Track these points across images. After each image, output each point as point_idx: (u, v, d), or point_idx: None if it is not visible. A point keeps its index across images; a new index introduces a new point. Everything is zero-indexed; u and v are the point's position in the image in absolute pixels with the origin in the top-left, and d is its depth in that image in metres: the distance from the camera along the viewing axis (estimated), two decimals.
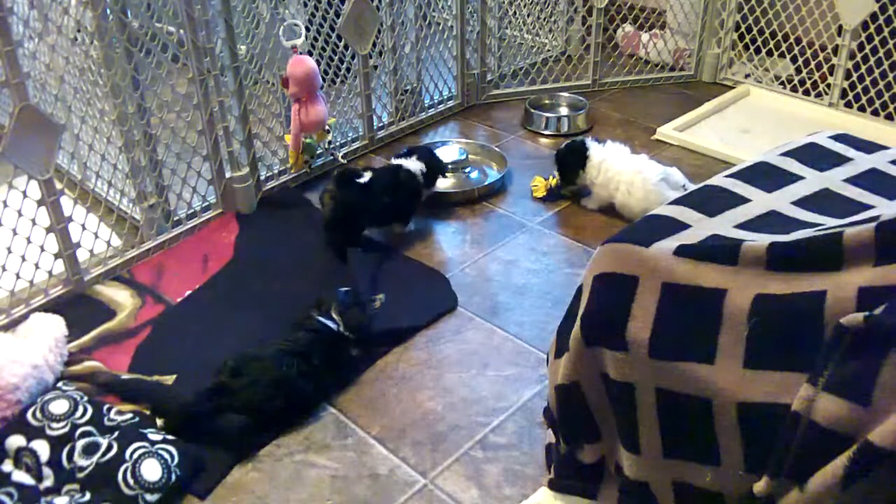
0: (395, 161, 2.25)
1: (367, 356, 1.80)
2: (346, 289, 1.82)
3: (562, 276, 2.05)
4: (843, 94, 2.72)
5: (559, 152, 2.34)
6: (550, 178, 2.37)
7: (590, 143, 2.30)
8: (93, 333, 1.87)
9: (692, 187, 1.45)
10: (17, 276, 1.87)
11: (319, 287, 1.89)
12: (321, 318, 1.74)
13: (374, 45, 2.52)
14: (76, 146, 2.10)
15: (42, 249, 1.90)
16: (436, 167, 2.27)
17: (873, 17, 2.55)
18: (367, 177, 2.10)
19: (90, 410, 1.55)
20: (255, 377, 1.60)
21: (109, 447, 1.48)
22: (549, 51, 3.23)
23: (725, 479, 1.13)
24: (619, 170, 2.21)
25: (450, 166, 2.46)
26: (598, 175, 2.25)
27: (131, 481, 1.43)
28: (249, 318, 1.89)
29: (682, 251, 1.18)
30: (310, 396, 1.67)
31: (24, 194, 1.83)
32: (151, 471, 1.45)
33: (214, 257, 2.14)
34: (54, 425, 1.51)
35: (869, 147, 1.47)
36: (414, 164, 2.20)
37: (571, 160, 2.30)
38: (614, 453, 1.31)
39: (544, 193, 2.36)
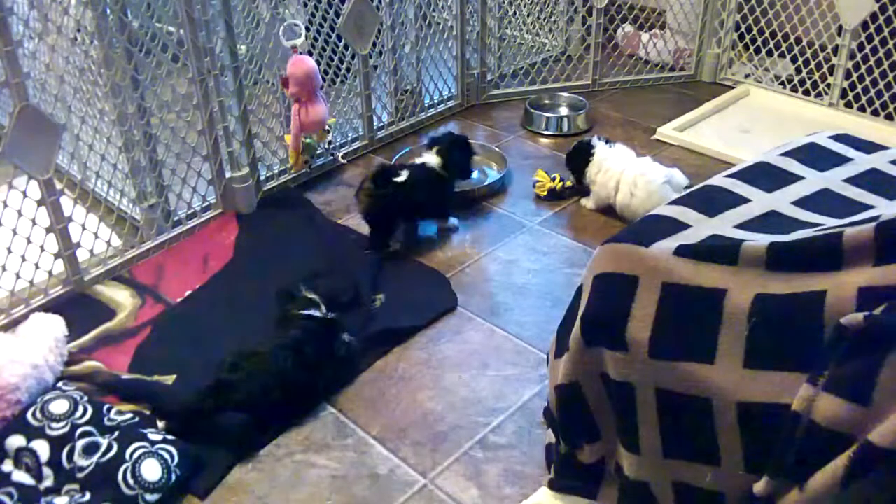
0: (419, 158, 2.25)
1: (361, 343, 1.80)
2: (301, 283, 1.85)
3: (562, 276, 2.05)
4: (843, 94, 2.71)
5: (568, 155, 2.36)
6: (557, 178, 2.37)
7: (596, 142, 2.30)
8: (93, 333, 1.87)
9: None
10: (17, 276, 1.87)
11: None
12: (303, 312, 1.74)
13: (374, 45, 2.52)
14: (76, 146, 2.10)
15: (42, 249, 1.90)
16: (455, 161, 2.23)
17: (873, 17, 2.55)
18: (404, 175, 2.11)
19: (90, 410, 1.55)
20: (253, 371, 1.60)
21: (109, 447, 1.48)
22: (549, 51, 3.23)
23: (725, 479, 1.13)
24: (620, 170, 2.21)
25: None
26: (597, 173, 2.25)
27: (131, 481, 1.43)
28: (249, 318, 1.89)
29: (682, 251, 1.18)
30: (308, 388, 1.67)
31: (24, 194, 1.83)
32: (151, 471, 1.45)
33: (214, 257, 2.14)
34: (54, 425, 1.51)
35: (869, 147, 1.47)
36: (432, 159, 2.20)
37: (576, 160, 2.30)
38: (614, 453, 1.31)
39: (545, 193, 2.36)
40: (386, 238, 2.15)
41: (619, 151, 2.27)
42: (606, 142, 2.31)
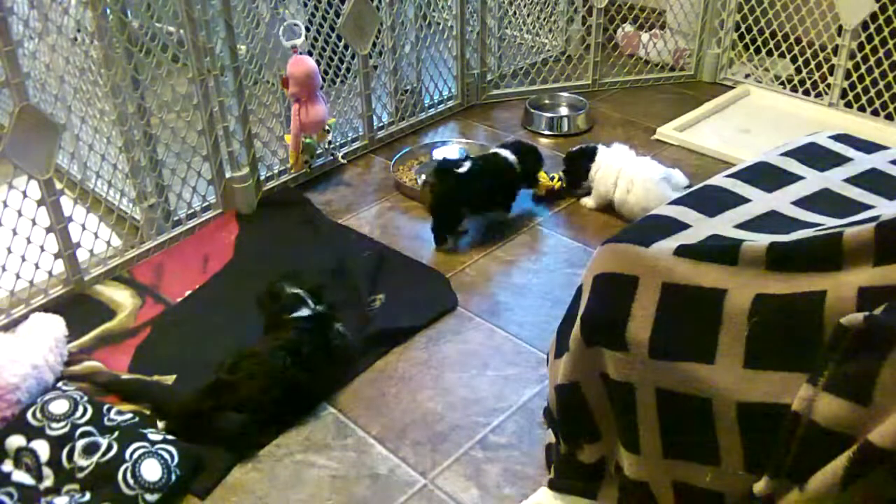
0: (491, 150, 2.30)
1: (361, 343, 1.80)
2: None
3: (562, 276, 2.05)
4: (843, 94, 2.71)
5: (569, 155, 2.35)
6: (556, 177, 2.37)
7: (601, 147, 2.32)
8: (93, 333, 1.87)
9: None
10: (17, 276, 1.87)
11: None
12: (294, 315, 1.72)
13: (374, 45, 2.52)
14: (76, 146, 2.10)
15: (42, 249, 1.90)
16: (529, 163, 2.28)
17: (873, 17, 2.55)
18: (465, 166, 2.15)
19: (90, 410, 1.55)
20: (252, 371, 1.60)
21: (109, 447, 1.48)
22: (549, 51, 3.23)
23: (725, 479, 1.13)
24: (619, 167, 2.23)
25: None
26: (597, 171, 2.26)
27: (131, 481, 1.43)
28: (249, 318, 1.88)
29: (682, 251, 1.18)
30: (308, 386, 1.67)
31: (24, 194, 1.83)
32: (151, 471, 1.45)
33: (214, 257, 2.14)
34: (54, 425, 1.51)
35: (869, 147, 1.47)
36: (508, 154, 2.24)
37: (580, 162, 2.31)
38: (614, 453, 1.31)
39: (543, 192, 2.36)
40: (452, 230, 2.18)
41: (619, 150, 2.29)
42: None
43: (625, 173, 2.21)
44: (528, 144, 2.35)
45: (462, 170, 2.14)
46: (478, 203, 2.19)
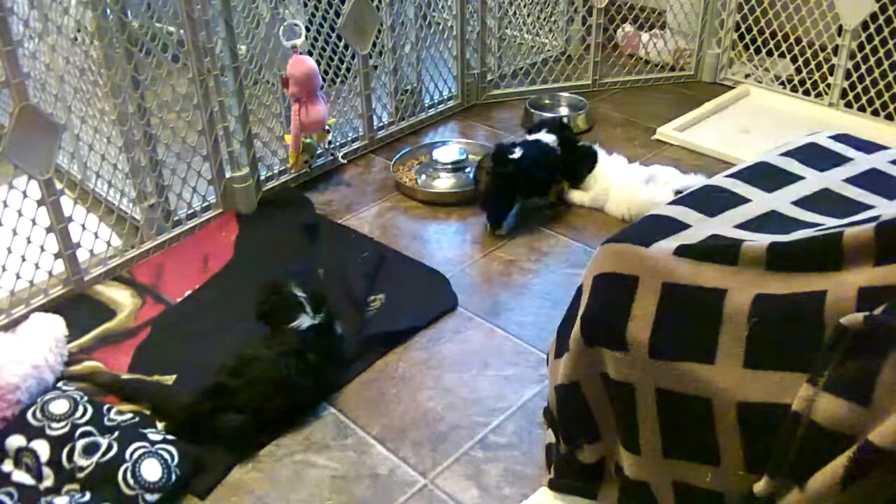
0: (530, 137, 2.32)
1: (361, 344, 1.81)
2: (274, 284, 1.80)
3: (562, 276, 2.05)
4: (843, 94, 2.72)
5: (585, 150, 2.37)
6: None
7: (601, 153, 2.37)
8: (93, 333, 1.87)
9: (691, 188, 1.45)
10: (17, 276, 1.87)
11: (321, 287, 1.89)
12: (295, 325, 1.68)
13: (374, 45, 2.52)
14: (76, 146, 2.10)
15: (42, 249, 1.90)
16: (570, 138, 2.34)
17: (873, 17, 2.55)
18: (518, 153, 2.17)
19: (90, 410, 1.55)
20: (254, 377, 1.60)
21: (109, 447, 1.48)
22: (549, 51, 3.23)
23: (725, 479, 1.13)
24: (609, 168, 2.30)
25: (450, 166, 2.46)
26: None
27: (131, 481, 1.43)
28: (250, 318, 1.88)
29: (682, 251, 1.18)
30: (311, 394, 1.66)
31: (24, 194, 1.83)
32: (151, 471, 1.45)
33: (214, 257, 2.14)
34: (54, 425, 1.51)
35: (869, 147, 1.47)
36: (548, 137, 2.27)
37: (585, 163, 2.33)
38: (614, 453, 1.31)
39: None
40: (504, 216, 2.20)
41: (612, 158, 2.37)
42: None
43: (609, 177, 2.28)
44: (558, 122, 2.39)
45: (517, 156, 2.16)
46: (528, 190, 2.23)
